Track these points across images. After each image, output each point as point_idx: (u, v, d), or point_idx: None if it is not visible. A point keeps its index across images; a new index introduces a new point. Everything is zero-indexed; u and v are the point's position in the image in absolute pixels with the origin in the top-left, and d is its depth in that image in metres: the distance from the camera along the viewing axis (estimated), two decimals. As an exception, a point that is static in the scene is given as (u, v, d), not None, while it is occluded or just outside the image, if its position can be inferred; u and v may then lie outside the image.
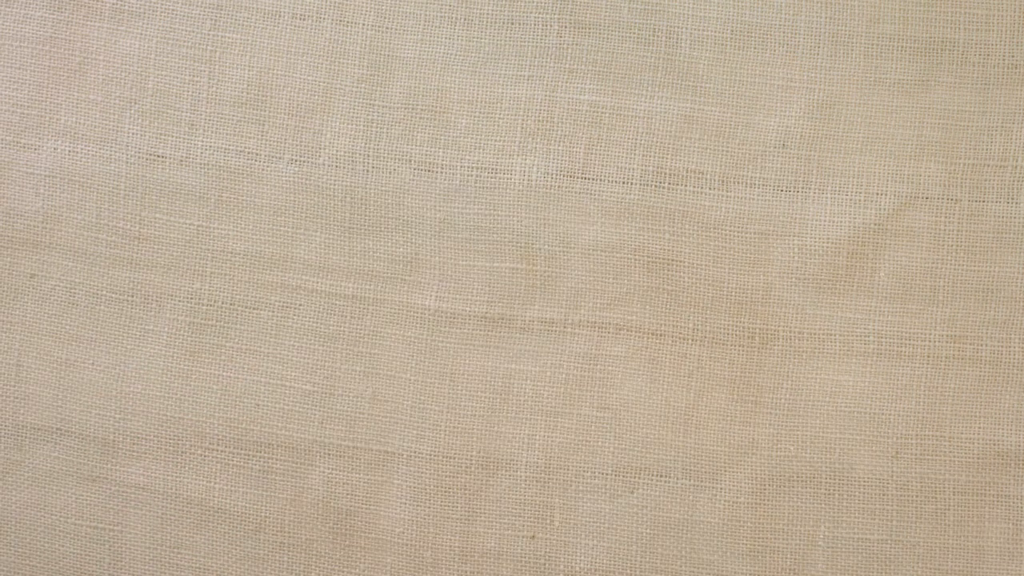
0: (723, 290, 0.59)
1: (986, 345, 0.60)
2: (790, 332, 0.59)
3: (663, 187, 0.59)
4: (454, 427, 0.60)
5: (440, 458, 0.60)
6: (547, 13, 0.60)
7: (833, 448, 0.60)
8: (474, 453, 0.60)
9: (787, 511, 0.60)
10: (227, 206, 0.60)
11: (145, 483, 0.61)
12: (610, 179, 0.59)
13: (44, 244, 0.61)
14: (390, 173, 0.60)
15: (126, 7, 0.60)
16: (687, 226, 0.59)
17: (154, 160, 0.60)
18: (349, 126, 0.60)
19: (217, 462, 0.61)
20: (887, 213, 0.60)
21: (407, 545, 0.60)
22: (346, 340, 0.61)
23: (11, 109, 0.60)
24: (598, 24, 0.60)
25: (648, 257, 0.59)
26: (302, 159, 0.60)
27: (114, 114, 0.60)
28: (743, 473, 0.60)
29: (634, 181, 0.59)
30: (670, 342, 0.59)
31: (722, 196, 0.59)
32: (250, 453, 0.61)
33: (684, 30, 0.59)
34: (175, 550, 0.61)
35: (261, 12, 0.60)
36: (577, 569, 0.59)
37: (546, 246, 0.60)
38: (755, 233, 0.58)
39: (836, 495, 0.60)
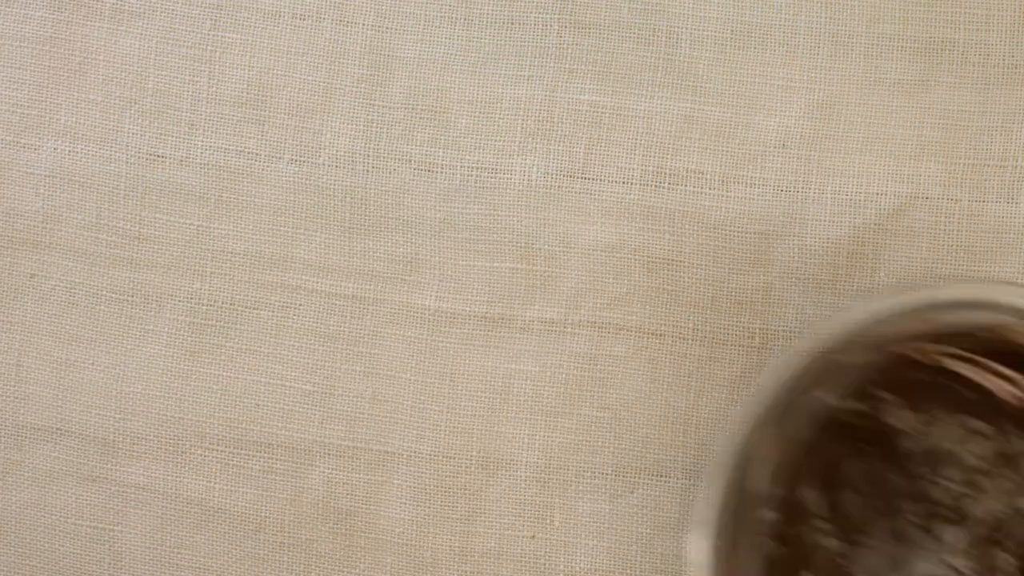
0: (723, 290, 0.59)
1: (986, 345, 0.60)
2: (790, 332, 0.59)
3: (663, 187, 0.59)
4: (454, 427, 0.60)
5: (440, 458, 0.60)
6: (547, 13, 0.60)
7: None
8: (474, 453, 0.60)
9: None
10: (227, 206, 0.60)
11: (145, 483, 0.61)
12: (610, 179, 0.59)
13: (44, 244, 0.61)
14: (390, 173, 0.60)
15: (126, 7, 0.60)
16: (687, 226, 0.59)
17: (154, 160, 0.60)
18: (349, 126, 0.60)
19: (217, 462, 0.61)
20: (887, 213, 0.60)
21: (407, 545, 0.60)
22: (346, 340, 0.60)
23: (11, 109, 0.60)
24: (598, 24, 0.60)
25: (648, 257, 0.59)
26: (302, 159, 0.60)
27: (114, 114, 0.60)
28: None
29: (634, 181, 0.59)
30: (670, 342, 0.59)
31: (722, 196, 0.59)
32: (250, 453, 0.61)
33: (684, 30, 0.59)
34: (175, 550, 0.61)
35: (261, 12, 0.60)
36: (577, 569, 0.59)
37: (546, 246, 0.60)
38: (755, 233, 0.58)
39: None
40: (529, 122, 0.60)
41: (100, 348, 0.61)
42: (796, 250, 0.59)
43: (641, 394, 0.60)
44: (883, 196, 0.60)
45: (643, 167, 0.59)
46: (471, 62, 0.60)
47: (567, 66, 0.60)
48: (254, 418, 0.60)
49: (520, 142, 0.60)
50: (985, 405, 0.50)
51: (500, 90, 0.60)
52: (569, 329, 0.60)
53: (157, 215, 0.60)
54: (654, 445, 0.59)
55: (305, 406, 0.61)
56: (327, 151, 0.60)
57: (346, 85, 0.60)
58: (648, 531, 0.59)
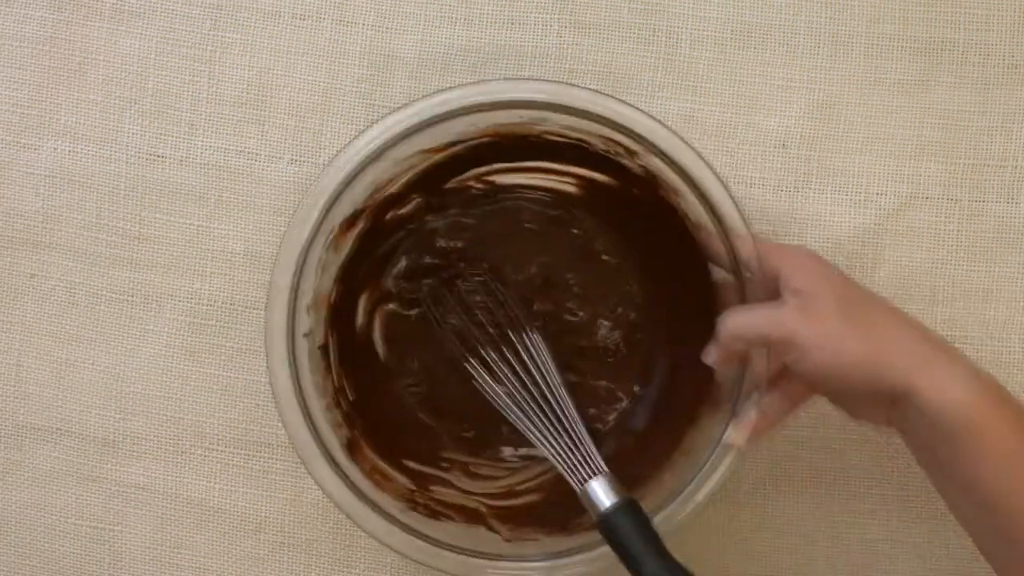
0: (723, 290, 0.59)
1: (986, 345, 0.60)
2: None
3: (663, 187, 0.59)
4: (454, 427, 0.60)
5: (440, 458, 0.60)
6: (547, 13, 0.60)
7: (833, 448, 0.60)
8: (474, 453, 0.60)
9: (787, 511, 0.60)
10: (227, 206, 0.60)
11: (145, 483, 0.61)
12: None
13: (44, 244, 0.61)
14: (390, 173, 0.60)
15: (126, 7, 0.60)
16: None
17: (154, 160, 0.60)
18: (349, 126, 0.60)
19: (217, 462, 0.61)
20: (887, 213, 0.60)
21: (407, 545, 0.60)
22: (346, 340, 0.60)
23: (11, 109, 0.60)
24: (598, 24, 0.60)
25: (648, 257, 0.59)
26: (302, 159, 0.60)
27: (114, 114, 0.60)
28: (744, 473, 0.60)
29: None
30: (670, 342, 0.59)
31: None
32: (250, 453, 0.61)
33: (684, 30, 0.59)
34: (175, 550, 0.61)
35: (261, 12, 0.60)
36: (577, 569, 0.59)
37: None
38: (755, 233, 0.58)
39: (836, 495, 0.60)
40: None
41: (100, 348, 0.61)
42: (796, 250, 0.59)
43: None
44: (883, 196, 0.60)
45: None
46: (471, 62, 0.60)
47: (567, 66, 0.60)
48: (254, 418, 0.60)
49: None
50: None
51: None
52: (569, 329, 0.60)
53: (157, 215, 0.60)
54: (654, 445, 0.59)
55: (305, 406, 0.61)
56: (327, 151, 0.60)
57: (346, 85, 0.60)
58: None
